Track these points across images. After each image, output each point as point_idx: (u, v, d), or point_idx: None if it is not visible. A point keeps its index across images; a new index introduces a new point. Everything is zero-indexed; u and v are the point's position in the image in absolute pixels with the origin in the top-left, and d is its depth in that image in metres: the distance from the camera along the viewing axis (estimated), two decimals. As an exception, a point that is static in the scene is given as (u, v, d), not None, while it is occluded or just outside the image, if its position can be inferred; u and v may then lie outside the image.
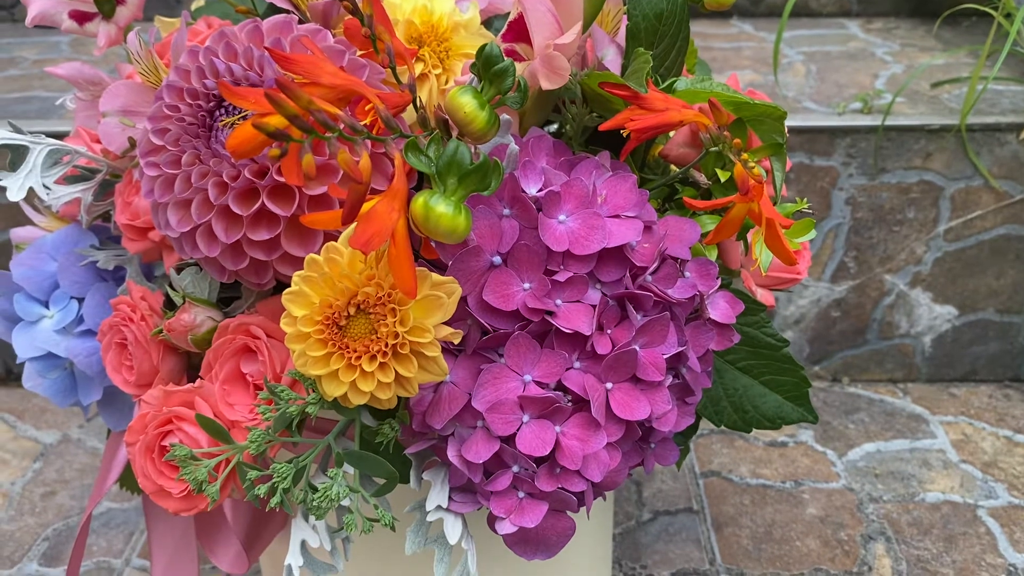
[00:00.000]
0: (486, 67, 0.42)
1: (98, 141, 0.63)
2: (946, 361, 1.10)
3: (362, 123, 0.48)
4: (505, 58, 0.41)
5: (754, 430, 0.62)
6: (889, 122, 0.97)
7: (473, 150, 0.47)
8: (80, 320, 0.61)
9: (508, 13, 0.63)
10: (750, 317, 0.61)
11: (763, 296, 0.63)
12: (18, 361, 0.62)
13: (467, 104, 0.42)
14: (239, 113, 0.46)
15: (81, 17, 0.63)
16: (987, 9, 1.01)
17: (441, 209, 0.38)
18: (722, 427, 0.63)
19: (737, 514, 0.92)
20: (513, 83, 0.42)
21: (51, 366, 0.62)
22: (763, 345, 0.62)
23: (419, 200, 0.38)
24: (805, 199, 0.54)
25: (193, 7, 0.74)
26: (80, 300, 0.61)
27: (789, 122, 0.97)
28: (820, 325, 1.08)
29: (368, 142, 0.38)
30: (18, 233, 0.67)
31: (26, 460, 1.02)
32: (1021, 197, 1.00)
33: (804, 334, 1.09)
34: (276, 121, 0.37)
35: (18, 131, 0.57)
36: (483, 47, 0.42)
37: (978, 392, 1.10)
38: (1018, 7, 0.98)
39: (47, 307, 0.62)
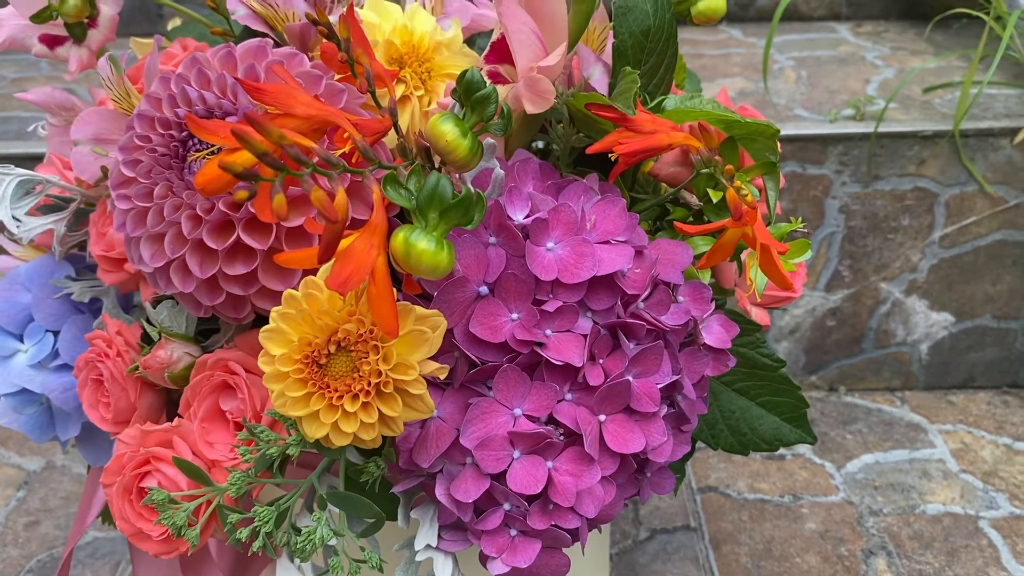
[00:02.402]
0: (468, 93, 0.40)
1: (69, 168, 0.62)
2: (943, 369, 1.08)
3: (339, 152, 0.46)
4: (488, 83, 0.40)
5: (751, 445, 0.61)
6: (882, 129, 0.96)
7: (456, 179, 0.46)
8: (56, 354, 0.59)
9: (491, 31, 0.62)
10: (745, 338, 0.60)
11: (758, 315, 0.61)
12: (-7, 397, 0.60)
13: (448, 132, 0.40)
14: (210, 147, 0.44)
15: (51, 41, 0.61)
16: (979, 14, 0.99)
17: (423, 245, 0.36)
18: (719, 450, 0.62)
19: (735, 531, 0.91)
20: (496, 110, 0.40)
21: (27, 401, 0.60)
22: (759, 366, 0.61)
23: (399, 236, 0.37)
24: (800, 218, 0.53)
25: (170, 27, 0.72)
26: (55, 333, 0.60)
27: (780, 129, 0.96)
28: (816, 335, 1.07)
29: (345, 175, 0.36)
30: (-9, 264, 0.65)
31: (9, 488, 0.99)
32: (1016, 202, 0.99)
33: (800, 344, 1.08)
34: (245, 158, 0.35)
35: (-14, 161, 0.55)
36: (464, 73, 0.40)
37: (976, 399, 1.09)
38: (1010, 11, 0.97)
39: (21, 340, 0.60)
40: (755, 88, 1.10)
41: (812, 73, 1.14)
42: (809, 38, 1.29)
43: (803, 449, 1.01)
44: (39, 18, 0.58)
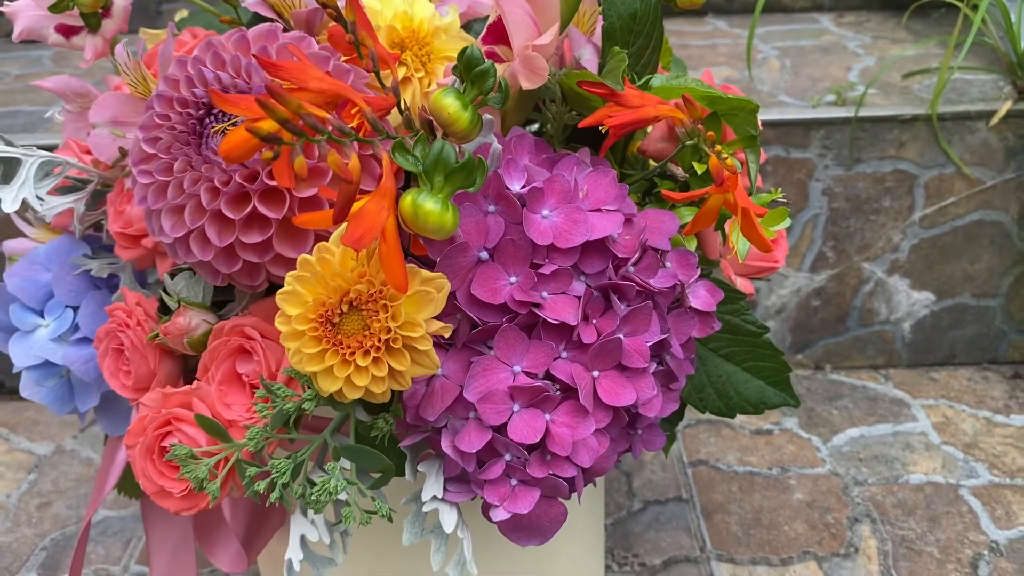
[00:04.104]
0: (468, 69, 0.43)
1: (88, 152, 0.65)
2: (925, 346, 1.12)
3: (349, 126, 0.49)
4: (486, 60, 0.43)
5: (740, 418, 0.64)
6: (862, 113, 0.99)
7: (457, 149, 0.49)
8: (76, 328, 0.62)
9: (487, 16, 0.65)
10: (730, 305, 0.63)
11: (743, 284, 0.64)
12: (14, 370, 0.63)
13: (450, 105, 0.43)
14: (229, 120, 0.47)
15: (67, 31, 0.64)
16: (954, 1, 1.03)
17: (429, 206, 0.40)
18: (707, 413, 0.65)
19: (726, 501, 0.94)
20: (494, 84, 0.43)
21: (48, 374, 0.63)
22: (744, 332, 0.64)
23: (407, 198, 0.40)
24: (779, 189, 0.56)
25: (177, 18, 0.75)
26: (75, 309, 0.63)
27: (765, 116, 1.00)
28: (801, 314, 1.10)
29: (356, 143, 0.40)
30: (10, 245, 0.68)
31: (20, 472, 1.02)
32: (992, 183, 1.02)
33: (786, 323, 1.11)
34: (267, 126, 0.38)
35: (9, 144, 0.58)
36: (464, 49, 0.43)
37: (957, 375, 1.12)
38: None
39: (42, 316, 0.63)
40: (740, 76, 1.14)
41: (795, 62, 1.18)
42: (792, 28, 1.32)
43: (790, 424, 1.05)
44: (57, 8, 0.61)
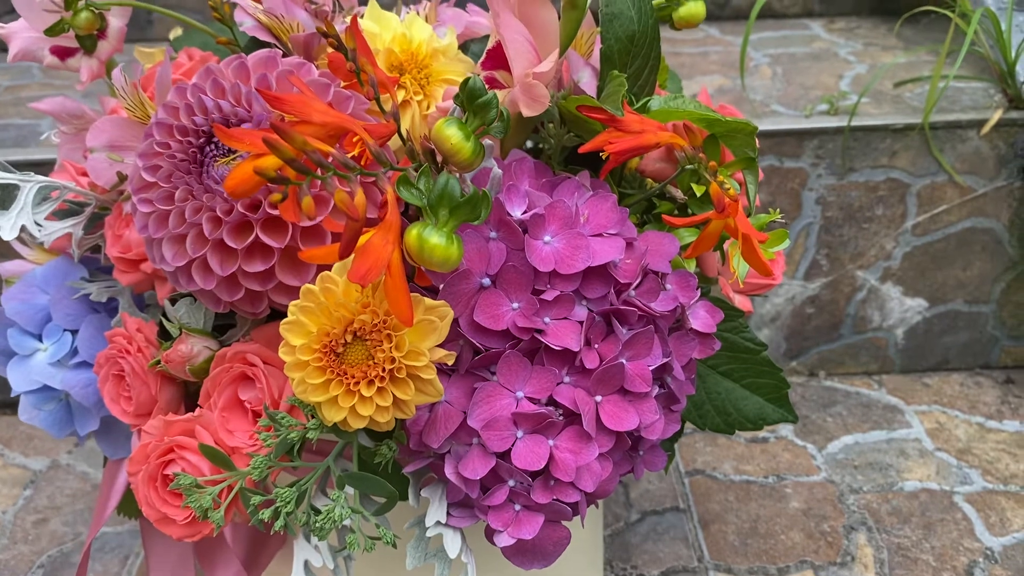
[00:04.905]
0: (471, 99, 0.44)
1: (84, 174, 0.64)
2: (918, 352, 1.13)
3: (350, 155, 0.49)
4: (488, 91, 0.43)
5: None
6: (855, 123, 1.00)
7: (460, 179, 0.49)
8: (74, 352, 0.62)
9: (484, 37, 0.65)
10: (729, 323, 0.63)
11: (740, 302, 0.65)
12: (12, 394, 0.63)
13: (453, 136, 0.43)
14: (233, 153, 0.47)
15: (63, 53, 0.64)
16: (946, 12, 1.04)
17: (435, 240, 0.40)
18: (706, 430, 0.66)
19: (723, 511, 0.94)
20: (497, 114, 0.43)
21: (47, 398, 0.63)
22: (742, 350, 0.64)
23: (413, 232, 0.40)
24: (777, 209, 0.56)
25: (171, 36, 0.75)
26: (73, 332, 0.62)
27: (758, 125, 1.00)
28: (795, 322, 1.11)
29: (360, 176, 0.40)
30: (7, 267, 0.68)
31: (16, 488, 1.02)
32: (984, 191, 1.03)
33: (780, 331, 1.12)
34: (270, 162, 0.38)
35: (7, 170, 0.57)
36: (467, 80, 0.44)
37: (950, 381, 1.13)
38: (973, 8, 1.02)
39: (40, 340, 0.63)
40: (733, 85, 1.14)
41: (787, 70, 1.18)
42: (784, 35, 1.33)
43: (786, 432, 1.06)
44: (52, 31, 0.61)
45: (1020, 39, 1.03)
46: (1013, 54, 1.01)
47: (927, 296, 1.09)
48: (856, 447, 1.03)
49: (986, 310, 1.10)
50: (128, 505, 0.70)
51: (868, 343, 1.12)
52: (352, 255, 0.39)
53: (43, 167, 1.00)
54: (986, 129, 0.99)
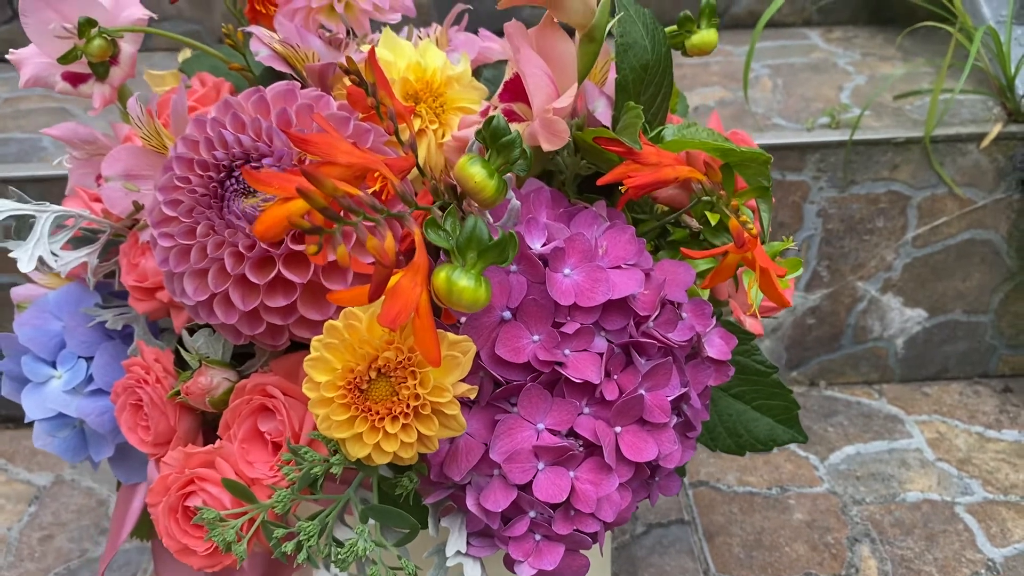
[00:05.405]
0: (494, 138, 0.44)
1: (96, 200, 0.64)
2: (918, 361, 1.14)
3: (371, 190, 0.50)
4: (512, 130, 0.43)
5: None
6: (857, 137, 1.00)
7: (476, 209, 0.49)
8: (89, 379, 0.62)
9: (495, 62, 0.66)
10: (741, 346, 0.64)
11: (751, 325, 0.65)
12: (26, 420, 0.63)
13: (477, 174, 0.44)
14: (258, 195, 0.47)
15: (75, 79, 0.64)
16: (948, 28, 1.04)
17: (464, 283, 0.40)
18: (717, 451, 0.66)
19: (727, 523, 0.95)
20: (520, 153, 0.44)
21: (61, 425, 0.63)
22: (753, 372, 0.65)
23: (441, 275, 0.40)
24: (791, 236, 0.57)
25: (180, 58, 0.75)
26: (88, 359, 0.62)
27: (761, 140, 1.01)
28: (796, 332, 1.12)
29: (394, 225, 0.40)
30: (18, 292, 0.68)
31: (21, 504, 1.02)
32: (983, 203, 1.04)
33: (782, 341, 1.12)
34: (298, 206, 0.38)
35: (23, 200, 0.57)
36: (491, 118, 0.44)
37: (949, 390, 1.14)
38: (974, 22, 1.02)
39: (54, 367, 0.63)
40: (734, 98, 1.15)
41: (787, 81, 1.19)
42: (782, 45, 1.33)
43: (788, 443, 1.06)
44: (66, 59, 0.60)
45: (1019, 53, 1.04)
46: (1013, 69, 1.01)
47: (927, 306, 1.10)
48: (858, 457, 1.04)
49: (985, 320, 1.11)
50: (141, 528, 0.70)
51: (868, 353, 1.13)
52: (382, 297, 0.40)
53: (46, 183, 1.00)
54: (986, 143, 1.00)
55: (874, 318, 1.11)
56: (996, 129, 1.00)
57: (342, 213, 0.36)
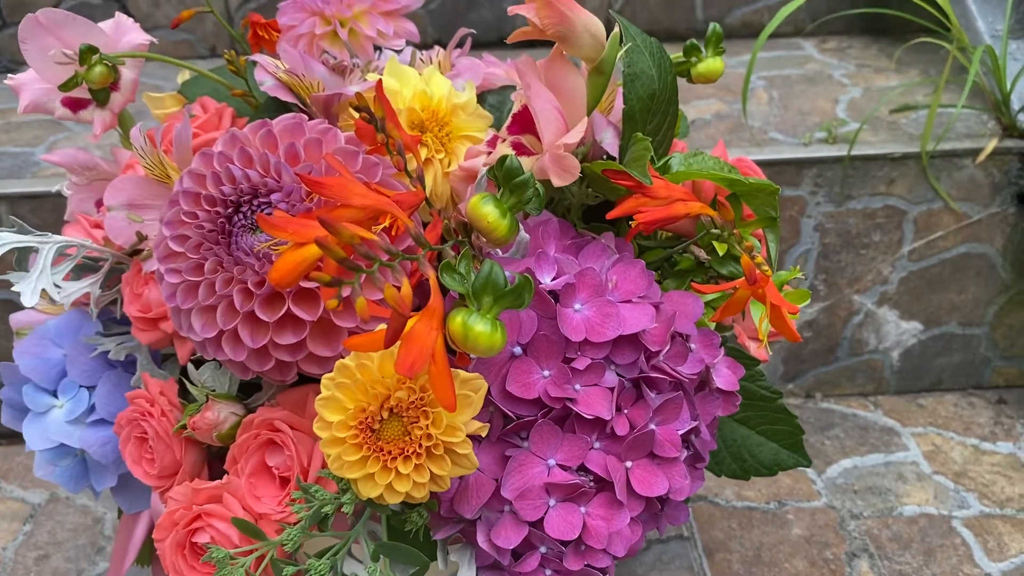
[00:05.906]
0: (507, 179, 0.44)
1: (97, 227, 0.64)
2: (913, 373, 1.14)
3: (380, 227, 0.49)
4: (526, 171, 0.43)
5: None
6: (854, 152, 1.01)
7: (484, 242, 0.49)
8: (91, 409, 0.61)
9: (500, 87, 0.65)
10: (746, 371, 0.64)
11: (757, 351, 0.65)
12: (27, 449, 0.62)
13: (490, 214, 0.44)
14: (269, 240, 0.47)
15: (75, 104, 0.63)
16: (945, 44, 1.05)
17: (480, 328, 0.40)
18: (722, 477, 0.66)
19: (726, 538, 0.95)
20: (533, 193, 0.44)
21: (63, 454, 0.62)
22: (758, 397, 0.65)
23: (457, 320, 0.40)
24: (798, 266, 0.57)
25: (180, 80, 0.74)
26: (89, 388, 0.62)
27: (759, 155, 1.01)
28: (793, 345, 1.12)
29: (405, 264, 0.40)
30: (18, 318, 0.67)
31: (15, 523, 1.01)
32: (979, 217, 1.04)
33: (778, 354, 1.13)
34: (312, 251, 0.38)
35: (23, 230, 0.57)
36: (504, 158, 0.44)
37: (944, 402, 1.15)
38: (970, 39, 1.03)
39: (56, 396, 0.62)
40: (730, 111, 1.15)
41: (783, 94, 1.19)
42: (777, 56, 1.34)
43: (785, 456, 1.07)
44: (67, 87, 0.60)
45: (1015, 68, 1.05)
46: (1008, 84, 1.02)
47: (922, 319, 1.11)
48: (855, 471, 1.04)
49: (979, 332, 1.12)
50: (142, 554, 0.69)
51: (864, 365, 1.14)
52: (398, 342, 0.39)
53: (39, 199, 0.99)
54: (981, 158, 1.01)
55: (870, 331, 1.11)
56: (992, 144, 1.00)
57: (354, 257, 0.36)
